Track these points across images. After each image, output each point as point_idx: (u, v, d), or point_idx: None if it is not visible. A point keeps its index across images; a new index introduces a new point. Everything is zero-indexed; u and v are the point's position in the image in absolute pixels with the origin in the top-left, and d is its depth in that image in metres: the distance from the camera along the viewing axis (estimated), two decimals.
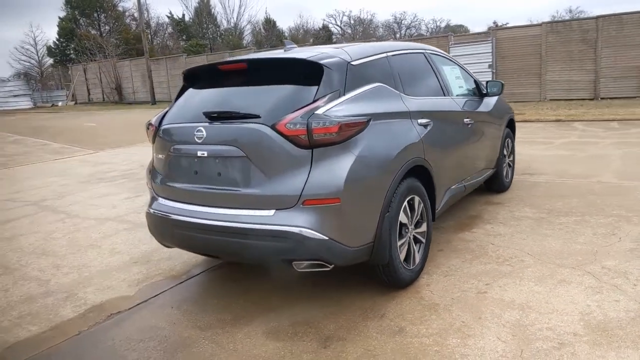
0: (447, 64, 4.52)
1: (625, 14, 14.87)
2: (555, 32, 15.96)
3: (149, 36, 46.50)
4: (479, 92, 4.84)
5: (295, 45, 3.52)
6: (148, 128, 3.40)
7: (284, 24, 61.17)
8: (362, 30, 49.75)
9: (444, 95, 4.09)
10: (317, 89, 2.81)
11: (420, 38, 27.08)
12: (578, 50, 15.60)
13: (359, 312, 3.02)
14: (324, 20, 48.72)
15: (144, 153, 9.99)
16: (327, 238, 2.67)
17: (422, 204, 3.32)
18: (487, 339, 2.60)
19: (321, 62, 2.89)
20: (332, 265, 2.76)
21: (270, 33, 49.73)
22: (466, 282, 3.30)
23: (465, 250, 3.87)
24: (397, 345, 2.62)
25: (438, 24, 49.28)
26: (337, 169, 2.69)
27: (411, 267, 3.23)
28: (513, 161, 5.82)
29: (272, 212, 2.75)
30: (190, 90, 3.38)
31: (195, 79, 3.41)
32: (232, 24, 50.61)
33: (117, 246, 4.61)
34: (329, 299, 3.22)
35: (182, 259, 4.14)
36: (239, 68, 3.16)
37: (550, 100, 16.19)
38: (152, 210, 3.28)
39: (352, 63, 3.05)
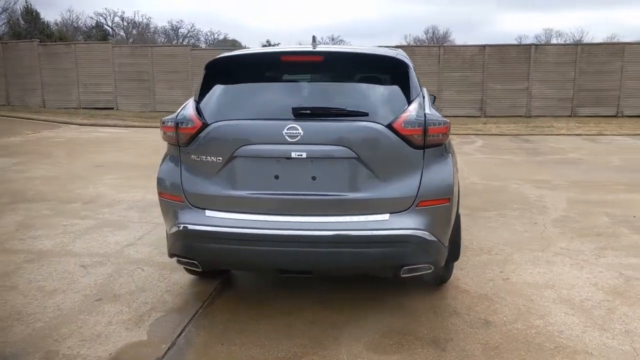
0: None
1: (416, 46, 17.93)
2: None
3: None
4: None
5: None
6: (179, 126, 2.72)
7: (50, 17, 52.88)
8: (136, 33, 46.52)
9: None
10: (409, 89, 2.76)
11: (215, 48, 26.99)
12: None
13: (431, 312, 3.05)
14: (92, 17, 43.82)
15: None
16: (436, 239, 2.65)
17: None
18: (559, 316, 2.97)
19: (406, 61, 2.85)
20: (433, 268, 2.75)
21: (31, 25, 42.20)
22: (483, 272, 3.65)
23: None
24: (502, 335, 2.76)
25: (215, 36, 49.74)
26: (445, 169, 2.70)
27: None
28: None
29: (386, 216, 2.58)
30: (234, 81, 2.86)
31: (239, 69, 2.91)
32: None
33: (48, 284, 3.47)
34: (390, 305, 3.14)
35: (159, 289, 3.41)
36: (311, 60, 2.83)
37: None
38: (192, 226, 2.65)
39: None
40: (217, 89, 2.86)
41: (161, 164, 2.93)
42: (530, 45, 18.03)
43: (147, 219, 5.10)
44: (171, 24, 48.47)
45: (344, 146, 2.54)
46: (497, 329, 2.84)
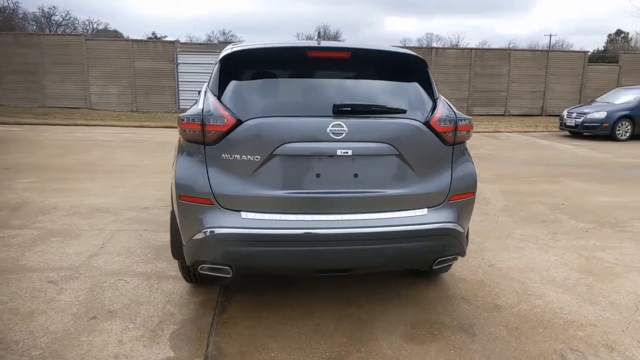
0: None
1: None
2: None
3: None
4: None
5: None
6: (206, 123, 2.52)
7: None
8: (1, 19, 41.07)
9: None
10: (432, 87, 2.85)
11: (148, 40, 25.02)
12: None
13: (444, 301, 3.19)
14: None
15: None
16: (464, 231, 2.79)
17: None
18: (552, 295, 3.29)
19: (425, 61, 2.93)
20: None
21: None
22: (467, 260, 3.88)
23: None
24: (515, 317, 2.98)
25: (95, 25, 45.93)
26: (469, 164, 2.84)
27: None
28: None
29: (424, 211, 2.65)
30: (259, 76, 2.71)
31: (262, 63, 2.76)
32: None
33: (19, 305, 3.00)
34: (404, 298, 3.22)
35: (156, 300, 3.15)
36: (339, 56, 2.78)
37: None
38: (227, 230, 2.48)
39: None
40: (242, 84, 2.70)
41: (177, 164, 2.69)
42: (431, 48, 19.39)
43: (98, 225, 4.62)
44: (42, 10, 43.45)
45: (386, 143, 2.56)
46: (508, 311, 3.06)
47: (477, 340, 2.72)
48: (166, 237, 4.27)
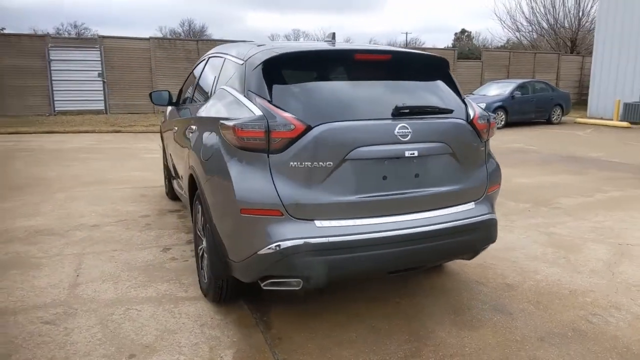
0: None
1: (218, 40, 17.69)
2: (162, 48, 17.00)
3: None
4: None
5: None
6: (271, 130, 2.36)
7: None
8: None
9: None
10: (457, 87, 3.01)
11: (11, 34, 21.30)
12: (184, 67, 17.26)
13: (463, 287, 3.41)
14: None
15: None
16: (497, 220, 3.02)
17: None
18: (544, 270, 3.70)
19: (448, 62, 3.08)
20: None
21: None
22: None
23: None
24: (531, 293, 3.31)
25: None
26: (494, 158, 3.06)
27: None
28: None
29: (472, 204, 2.81)
30: (310, 79, 2.61)
31: (310, 66, 2.66)
32: None
33: (29, 355, 2.52)
34: (428, 287, 3.37)
35: (188, 326, 2.89)
36: (381, 59, 2.78)
37: (162, 112, 17.14)
38: (301, 241, 2.37)
39: None
40: (297, 88, 2.59)
41: (233, 176, 2.48)
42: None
43: (52, 251, 4.02)
44: None
45: (443, 142, 2.66)
46: (520, 289, 3.39)
47: (516, 318, 2.98)
48: (143, 255, 3.91)
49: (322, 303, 3.14)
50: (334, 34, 3.20)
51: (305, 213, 2.43)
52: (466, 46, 50.99)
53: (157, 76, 16.89)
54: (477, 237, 2.82)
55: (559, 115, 16.19)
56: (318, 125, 2.43)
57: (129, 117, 15.69)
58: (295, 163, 2.41)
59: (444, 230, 2.64)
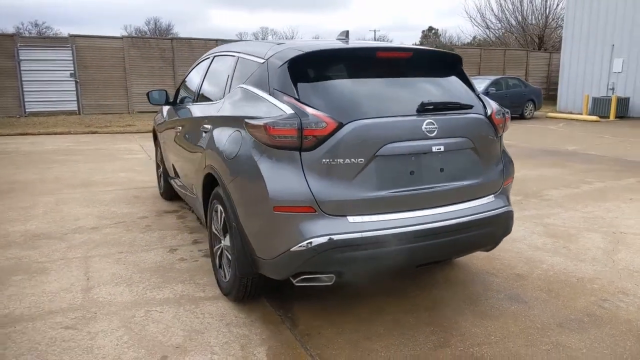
0: None
1: (193, 39, 17.45)
2: (136, 47, 16.63)
3: None
4: None
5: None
6: (304, 127, 2.38)
7: None
8: None
9: None
10: (471, 83, 3.08)
11: None
12: (159, 66, 16.97)
13: (477, 279, 3.50)
14: None
15: None
16: None
17: None
18: (549, 259, 3.84)
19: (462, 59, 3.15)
20: None
21: None
22: None
23: None
24: (541, 282, 3.43)
25: None
26: (507, 153, 3.15)
27: None
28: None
29: (491, 197, 2.89)
30: (336, 76, 2.63)
31: (335, 64, 2.68)
32: None
33: (65, 357, 2.46)
34: (442, 281, 3.45)
35: (214, 326, 2.87)
36: (402, 56, 2.82)
37: (138, 112, 16.82)
38: (336, 236, 2.40)
39: None
40: (322, 85, 2.61)
41: (265, 174, 2.47)
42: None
43: (55, 255, 3.91)
44: None
45: (465, 137, 2.72)
46: (530, 278, 3.50)
47: (533, 306, 3.08)
48: (150, 257, 3.86)
49: (342, 299, 3.16)
50: (347, 32, 3.22)
51: (338, 209, 2.45)
52: (434, 43, 51.90)
53: (131, 76, 16.54)
54: (498, 228, 2.90)
55: (531, 110, 16.68)
56: (349, 122, 2.45)
57: (104, 118, 15.31)
58: (327, 160, 2.43)
59: (469, 222, 2.71)
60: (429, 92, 2.84)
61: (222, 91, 3.37)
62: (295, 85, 2.57)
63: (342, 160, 2.44)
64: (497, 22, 28.96)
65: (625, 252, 4.01)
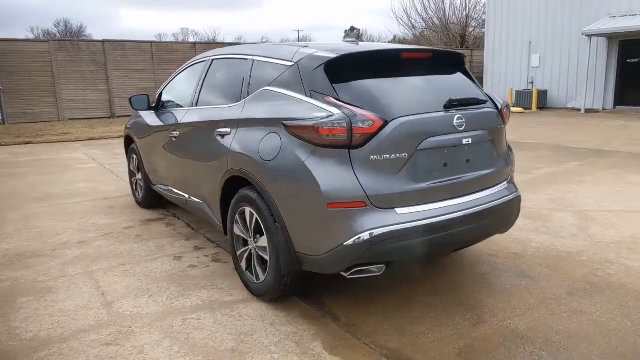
0: None
1: (126, 41, 16.67)
2: (64, 50, 15.60)
3: None
4: None
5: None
6: (353, 126, 2.49)
7: None
8: None
9: None
10: (473, 79, 3.34)
11: None
12: (90, 70, 16.05)
13: (482, 260, 3.79)
14: None
15: None
16: None
17: None
18: (537, 238, 4.24)
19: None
20: None
21: None
22: None
23: None
24: (541, 260, 3.78)
25: None
26: (509, 144, 3.45)
27: None
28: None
29: (505, 184, 3.17)
30: (373, 76, 2.78)
31: (370, 65, 2.83)
32: None
33: None
34: (451, 265, 3.70)
35: (259, 327, 2.91)
36: (423, 57, 3.01)
37: (70, 119, 15.83)
38: (388, 228, 2.54)
39: None
40: (360, 86, 2.73)
41: (316, 173, 2.55)
42: (234, 44, 19.55)
43: (53, 273, 3.71)
44: None
45: (485, 130, 2.97)
46: (527, 256, 3.85)
47: (539, 280, 3.41)
48: (157, 267, 3.78)
49: (366, 290, 3.30)
50: (358, 33, 3.38)
51: (387, 202, 2.59)
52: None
53: (60, 81, 15.52)
54: (513, 212, 3.19)
55: None
56: (393, 119, 2.60)
57: (32, 127, 14.25)
58: (375, 156, 2.56)
59: (494, 208, 2.96)
60: (449, 88, 3.06)
61: (237, 94, 3.37)
62: (335, 86, 2.68)
63: (388, 155, 2.58)
64: (422, 22, 30.37)
65: (595, 227, 4.50)
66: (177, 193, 4.39)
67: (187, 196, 4.15)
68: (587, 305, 3.04)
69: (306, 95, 2.75)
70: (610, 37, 16.24)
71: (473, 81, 3.30)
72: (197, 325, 2.88)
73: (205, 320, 2.94)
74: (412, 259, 2.85)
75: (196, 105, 3.96)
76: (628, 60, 16.34)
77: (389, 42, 38.89)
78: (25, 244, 4.38)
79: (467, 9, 28.75)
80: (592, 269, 3.57)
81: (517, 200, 3.21)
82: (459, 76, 3.23)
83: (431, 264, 3.71)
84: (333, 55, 2.76)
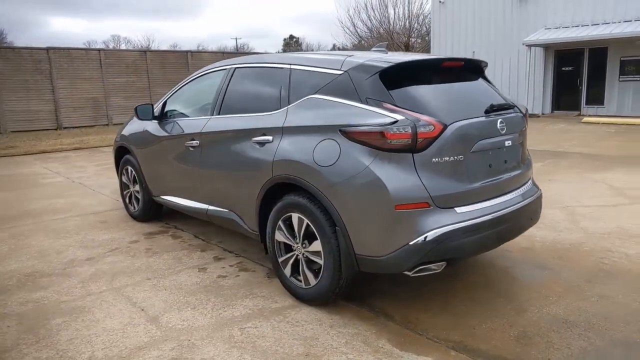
0: None
1: (72, 49, 15.88)
2: (5, 58, 14.61)
3: None
4: None
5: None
6: (418, 131, 2.63)
7: None
8: None
9: None
10: (492, 84, 3.60)
11: None
12: (34, 80, 15.14)
13: (495, 254, 4.04)
14: None
15: None
16: None
17: None
18: (538, 233, 4.57)
19: None
20: None
21: None
22: None
23: None
24: (550, 252, 4.09)
25: None
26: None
27: None
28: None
29: (530, 183, 3.44)
30: (422, 83, 2.96)
31: (418, 73, 3.01)
32: None
33: None
34: (470, 260, 3.92)
35: (320, 329, 2.97)
36: (457, 65, 3.22)
37: (12, 132, 14.83)
38: (451, 227, 2.70)
39: None
40: (413, 92, 2.88)
41: (382, 176, 2.66)
42: (186, 52, 19.14)
43: (76, 292, 3.55)
44: None
45: (517, 133, 3.22)
46: (536, 249, 4.15)
47: (557, 271, 3.70)
48: (185, 279, 3.73)
49: (403, 288, 3.44)
50: (386, 43, 3.52)
51: (448, 202, 2.75)
52: (296, 50, 54.00)
53: (1, 91, 14.51)
54: (539, 207, 3.47)
55: None
56: (451, 124, 2.78)
57: None
58: (436, 159, 2.72)
59: (529, 204, 3.23)
60: (482, 94, 3.29)
61: (274, 102, 3.40)
62: (391, 93, 2.81)
63: (447, 157, 2.75)
64: (368, 31, 31.21)
65: (584, 221, 4.92)
66: (191, 203, 4.31)
67: (206, 206, 4.10)
68: (608, 290, 3.35)
69: (362, 102, 2.86)
70: (547, 47, 17.58)
71: (494, 87, 3.55)
72: (258, 334, 2.89)
73: (263, 328, 2.95)
74: (469, 255, 3.03)
75: (219, 114, 3.94)
76: (562, 69, 17.76)
77: (330, 50, 39.56)
78: (28, 264, 4.13)
79: (410, 17, 29.92)
80: (598, 258, 3.92)
81: (541, 197, 3.49)
82: (483, 82, 3.47)
83: (463, 262, 3.91)
84: (386, 64, 2.89)
